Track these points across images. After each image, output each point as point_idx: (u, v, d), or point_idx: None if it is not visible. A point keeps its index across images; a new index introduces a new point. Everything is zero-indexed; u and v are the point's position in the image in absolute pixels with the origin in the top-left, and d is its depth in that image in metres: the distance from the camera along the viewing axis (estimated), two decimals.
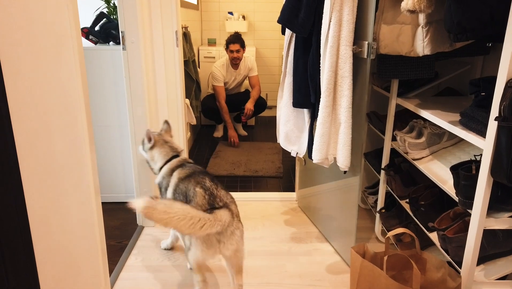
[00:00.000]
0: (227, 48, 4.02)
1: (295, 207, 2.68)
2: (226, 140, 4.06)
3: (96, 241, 1.46)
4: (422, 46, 1.53)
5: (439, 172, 1.64)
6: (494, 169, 1.22)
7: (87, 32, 2.54)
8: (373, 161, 2.26)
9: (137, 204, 1.32)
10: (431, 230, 1.64)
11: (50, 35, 1.15)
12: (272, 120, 4.85)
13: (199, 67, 4.51)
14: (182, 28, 3.07)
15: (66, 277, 1.28)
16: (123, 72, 2.20)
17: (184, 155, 1.93)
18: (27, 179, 1.02)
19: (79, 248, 1.37)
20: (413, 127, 1.87)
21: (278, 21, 1.89)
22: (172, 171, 1.79)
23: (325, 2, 1.71)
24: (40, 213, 1.10)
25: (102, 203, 1.51)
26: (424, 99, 1.88)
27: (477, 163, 1.35)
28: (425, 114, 1.65)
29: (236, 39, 3.96)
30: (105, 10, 2.70)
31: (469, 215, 1.36)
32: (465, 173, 1.35)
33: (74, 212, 1.32)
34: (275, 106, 2.28)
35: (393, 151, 2.02)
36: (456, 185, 1.42)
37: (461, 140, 1.81)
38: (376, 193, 2.36)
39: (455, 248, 1.45)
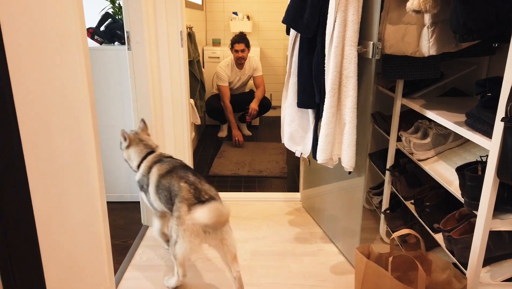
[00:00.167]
0: (232, 47, 4.02)
1: (299, 207, 2.68)
2: (230, 140, 4.07)
3: (101, 240, 1.46)
4: (427, 46, 1.52)
5: (444, 173, 1.63)
6: (501, 170, 1.21)
7: (92, 32, 2.55)
8: (377, 162, 2.25)
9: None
10: (436, 231, 1.63)
11: (56, 35, 1.15)
12: (277, 120, 4.85)
13: (203, 67, 4.51)
14: (187, 28, 3.08)
15: (71, 276, 1.29)
16: (128, 72, 2.21)
17: (160, 150, 2.00)
18: (33, 179, 1.02)
19: (84, 247, 1.37)
20: (419, 128, 1.87)
21: (283, 21, 1.89)
22: (150, 168, 1.86)
23: (330, 2, 1.71)
24: (46, 212, 1.11)
25: (107, 202, 1.52)
26: (430, 99, 1.87)
27: (483, 164, 1.35)
28: (431, 114, 1.64)
29: (241, 39, 3.97)
30: (110, 11, 2.72)
31: (475, 216, 1.35)
32: (471, 174, 1.34)
33: (80, 211, 1.33)
34: (280, 106, 2.28)
35: (398, 152, 2.01)
36: (461, 186, 1.41)
37: (467, 141, 1.80)
38: (380, 193, 2.35)
39: (461, 250, 1.44)
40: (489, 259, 1.46)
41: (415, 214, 1.79)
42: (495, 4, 1.24)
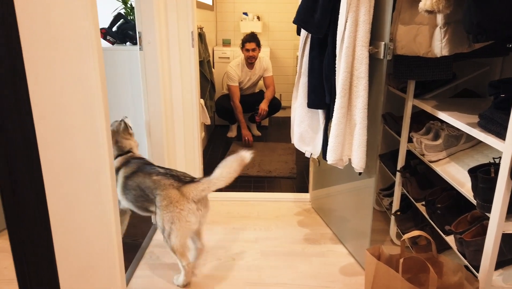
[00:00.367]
0: (243, 47, 4.04)
1: (309, 208, 2.67)
2: (240, 140, 4.08)
3: (112, 239, 1.48)
4: (440, 47, 1.51)
5: (456, 174, 1.61)
6: None
7: (104, 33, 2.58)
8: (388, 163, 2.24)
9: (247, 154, 1.73)
10: (447, 233, 1.61)
11: (71, 37, 1.17)
12: (286, 121, 4.85)
13: (213, 68, 4.53)
14: (197, 28, 3.09)
15: (83, 274, 1.31)
16: (139, 72, 2.23)
17: (133, 153, 2.03)
18: (48, 176, 1.04)
19: (96, 245, 1.39)
20: (430, 129, 1.85)
21: (294, 22, 1.89)
22: (117, 170, 1.90)
23: (341, 2, 1.70)
24: (60, 210, 1.13)
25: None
26: (441, 100, 1.85)
27: (496, 166, 1.33)
28: (443, 115, 1.63)
29: (252, 38, 3.99)
30: (122, 11, 2.74)
31: (487, 218, 1.34)
32: (484, 176, 1.33)
33: (92, 209, 1.35)
34: (289, 107, 2.28)
35: (409, 153, 2.00)
36: (474, 188, 1.40)
37: (479, 142, 1.79)
38: (391, 195, 2.33)
39: (473, 252, 1.43)
40: (502, 262, 1.44)
41: (426, 216, 1.78)
42: (510, 4, 1.23)
